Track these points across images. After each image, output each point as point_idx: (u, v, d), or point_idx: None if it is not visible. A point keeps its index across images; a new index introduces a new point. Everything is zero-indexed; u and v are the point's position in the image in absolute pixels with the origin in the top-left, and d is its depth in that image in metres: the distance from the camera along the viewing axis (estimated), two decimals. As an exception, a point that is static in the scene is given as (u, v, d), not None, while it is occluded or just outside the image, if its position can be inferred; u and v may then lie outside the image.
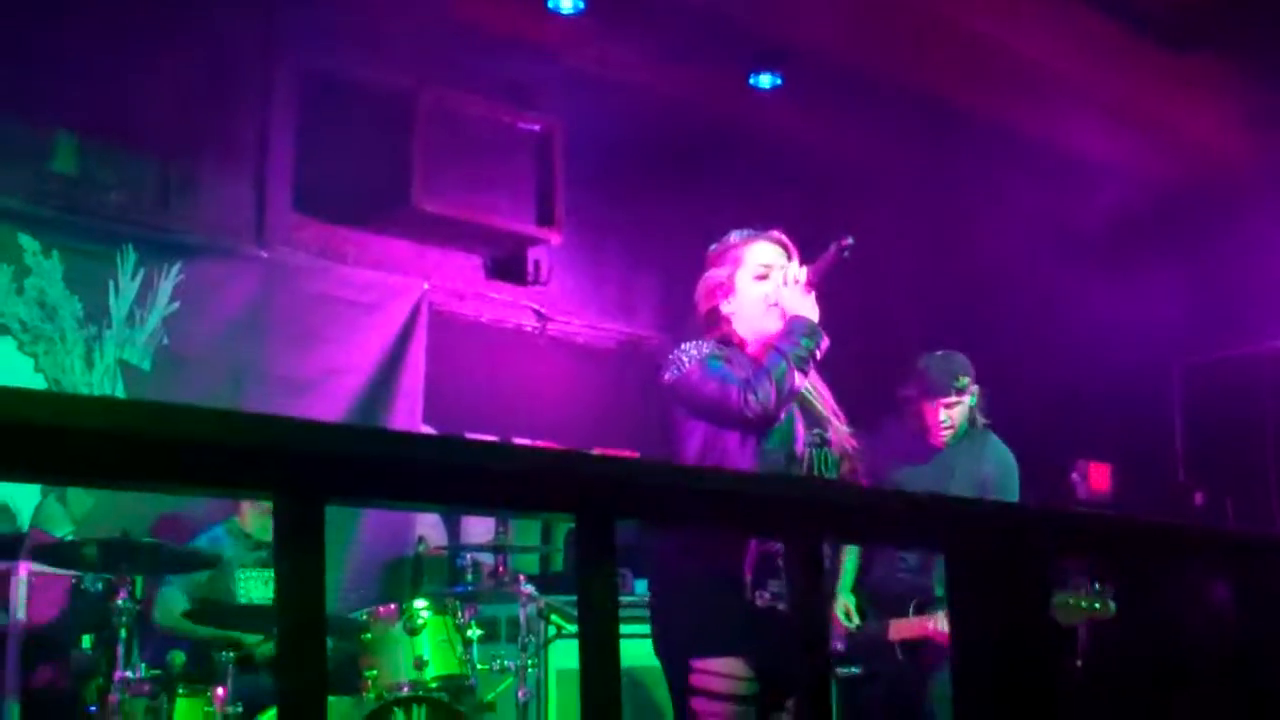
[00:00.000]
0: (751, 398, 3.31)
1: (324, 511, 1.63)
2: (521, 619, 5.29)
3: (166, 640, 5.09)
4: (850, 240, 3.47)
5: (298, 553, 1.61)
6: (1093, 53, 7.48)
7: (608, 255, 7.83)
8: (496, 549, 5.89)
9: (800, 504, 1.97)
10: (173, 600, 5.18)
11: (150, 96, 6.12)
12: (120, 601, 4.50)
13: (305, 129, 6.78)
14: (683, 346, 3.46)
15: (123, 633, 4.49)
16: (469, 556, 5.96)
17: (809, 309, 3.48)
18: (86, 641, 4.81)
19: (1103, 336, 4.98)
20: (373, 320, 6.87)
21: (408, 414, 6.87)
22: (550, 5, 6.78)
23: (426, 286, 7.10)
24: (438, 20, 6.85)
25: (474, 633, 5.10)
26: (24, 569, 4.75)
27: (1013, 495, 4.97)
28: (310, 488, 1.61)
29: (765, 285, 3.54)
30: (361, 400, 6.74)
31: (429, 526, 6.44)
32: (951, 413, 5.03)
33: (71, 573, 4.97)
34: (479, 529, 6.63)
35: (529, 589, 5.33)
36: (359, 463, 1.64)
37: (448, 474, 1.64)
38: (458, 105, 6.98)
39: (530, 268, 7.59)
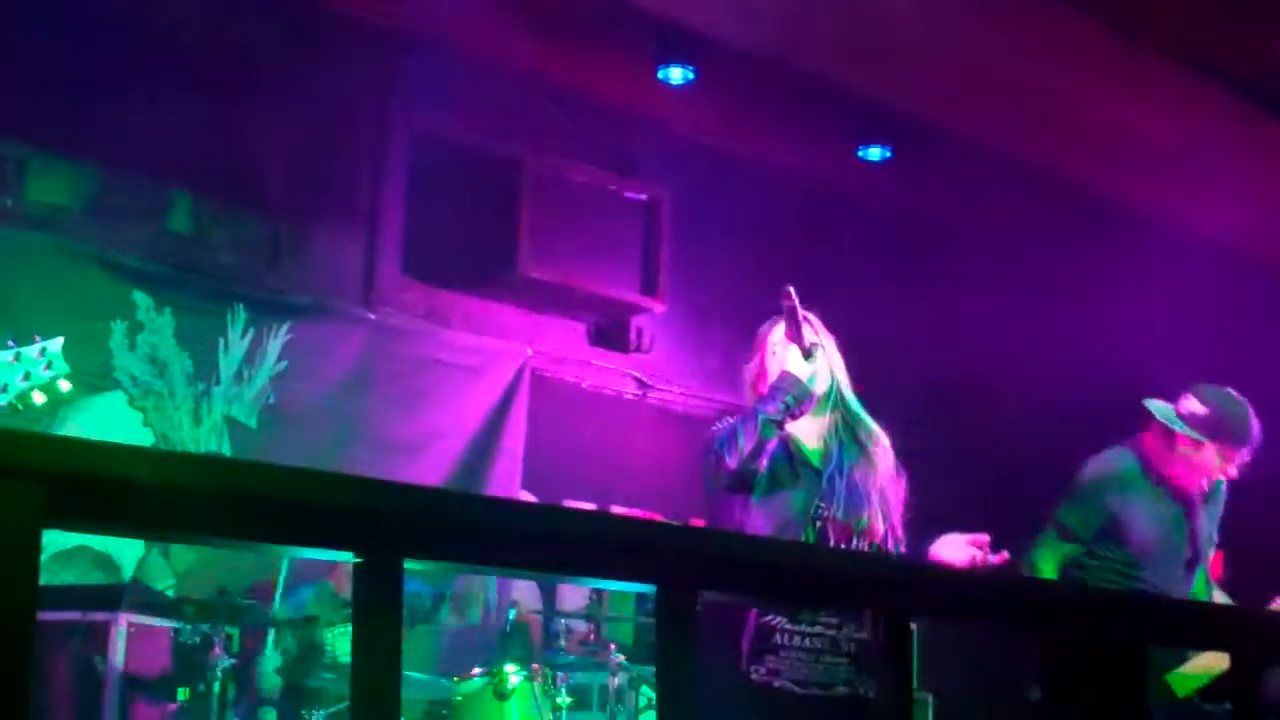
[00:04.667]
0: (721, 458, 3.41)
1: (402, 572, 1.62)
2: (611, 688, 5.25)
3: (260, 695, 5.13)
4: (789, 289, 3.52)
5: (376, 612, 1.61)
6: (1211, 126, 7.35)
7: (710, 324, 7.82)
8: (589, 617, 5.86)
9: (887, 580, 1.93)
10: (269, 661, 5.22)
11: (264, 159, 6.26)
12: (216, 656, 4.55)
13: (415, 194, 6.89)
14: (723, 420, 3.57)
15: (217, 687, 4.53)
16: (562, 623, 5.94)
17: (795, 363, 3.49)
18: (183, 693, 4.85)
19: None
20: (476, 384, 6.91)
21: (507, 478, 6.89)
22: (660, 75, 6.83)
23: (530, 352, 7.14)
24: (547, 88, 6.94)
25: (563, 700, 5.07)
26: (124, 620, 4.82)
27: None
28: (389, 548, 1.61)
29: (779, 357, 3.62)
30: (462, 463, 6.78)
31: (523, 592, 6.43)
32: (1229, 470, 4.47)
33: (171, 625, 5.02)
34: (573, 596, 6.61)
35: (619, 658, 5.30)
36: (437, 525, 1.63)
37: (524, 540, 1.63)
38: (565, 173, 7.05)
39: (633, 335, 7.61)
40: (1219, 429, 4.44)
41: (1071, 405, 5.01)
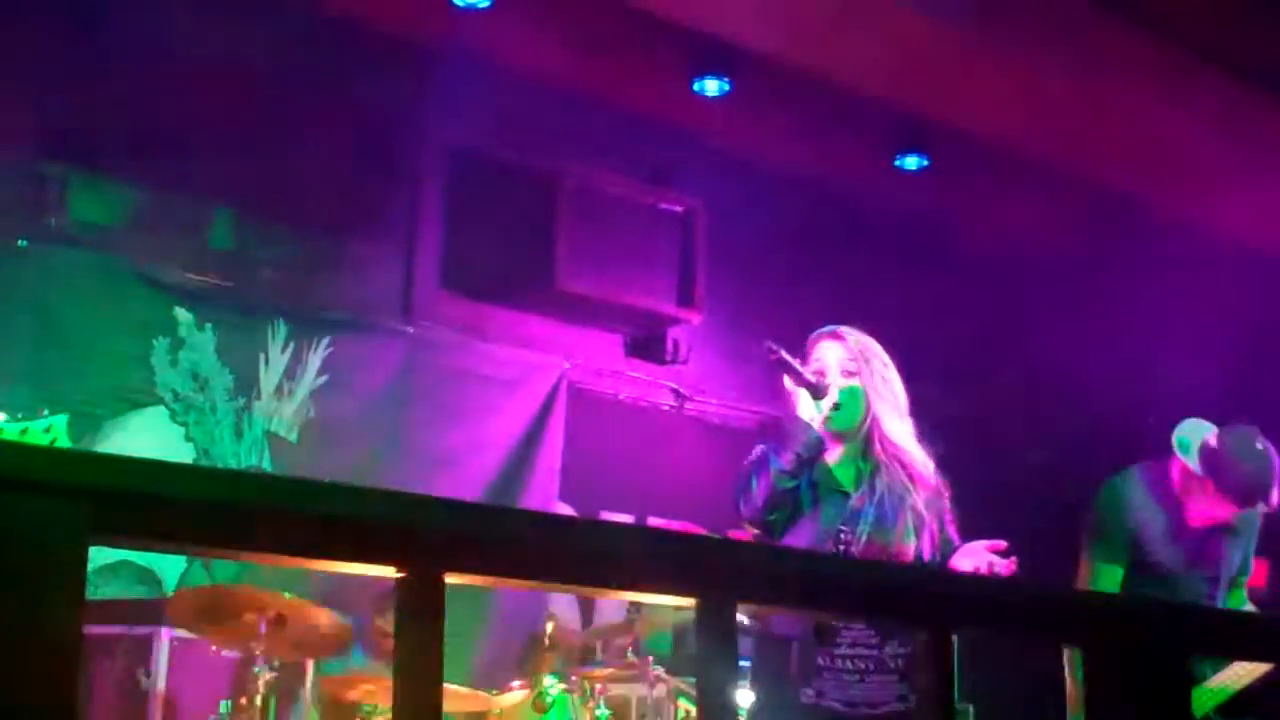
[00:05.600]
0: (739, 503, 3.46)
1: (444, 587, 1.63)
2: (650, 700, 5.25)
3: (302, 709, 5.14)
4: (768, 344, 3.52)
5: (418, 627, 1.62)
6: (1254, 135, 7.29)
7: (747, 335, 7.78)
8: (628, 629, 5.86)
9: (930, 593, 1.93)
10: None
11: (304, 175, 6.30)
12: (257, 669, 4.57)
13: (452, 208, 6.92)
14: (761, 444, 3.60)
15: (259, 700, 4.55)
16: (598, 633, 5.95)
17: (804, 408, 3.49)
18: (225, 707, 4.88)
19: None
20: (513, 397, 6.93)
21: (545, 491, 6.90)
22: (695, 87, 6.83)
23: (567, 365, 7.15)
24: (582, 101, 6.96)
25: (602, 712, 5.08)
26: (166, 634, 4.85)
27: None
28: (430, 563, 1.62)
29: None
30: (500, 476, 6.80)
31: (561, 605, 6.44)
32: (1237, 515, 4.31)
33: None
34: (612, 608, 6.61)
35: (658, 670, 5.29)
36: (478, 540, 1.64)
37: (564, 554, 1.63)
38: (601, 185, 7.06)
39: (669, 347, 7.61)
40: (1221, 471, 4.28)
41: (1106, 415, 4.96)
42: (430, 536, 1.61)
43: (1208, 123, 7.18)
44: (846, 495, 3.51)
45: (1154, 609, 1.94)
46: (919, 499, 3.52)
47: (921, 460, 3.57)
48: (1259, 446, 4.31)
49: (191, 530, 1.51)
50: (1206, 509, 4.41)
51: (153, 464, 1.47)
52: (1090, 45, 6.70)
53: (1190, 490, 4.42)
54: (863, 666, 3.43)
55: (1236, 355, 7.30)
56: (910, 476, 3.53)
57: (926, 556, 3.50)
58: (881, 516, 3.48)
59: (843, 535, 3.46)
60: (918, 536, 3.49)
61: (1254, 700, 4.23)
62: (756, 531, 3.52)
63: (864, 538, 3.46)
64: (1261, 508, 4.39)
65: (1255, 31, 6.76)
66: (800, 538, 3.46)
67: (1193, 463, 4.35)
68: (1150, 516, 4.46)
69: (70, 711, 1.40)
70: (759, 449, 3.51)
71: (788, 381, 3.54)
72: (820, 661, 3.42)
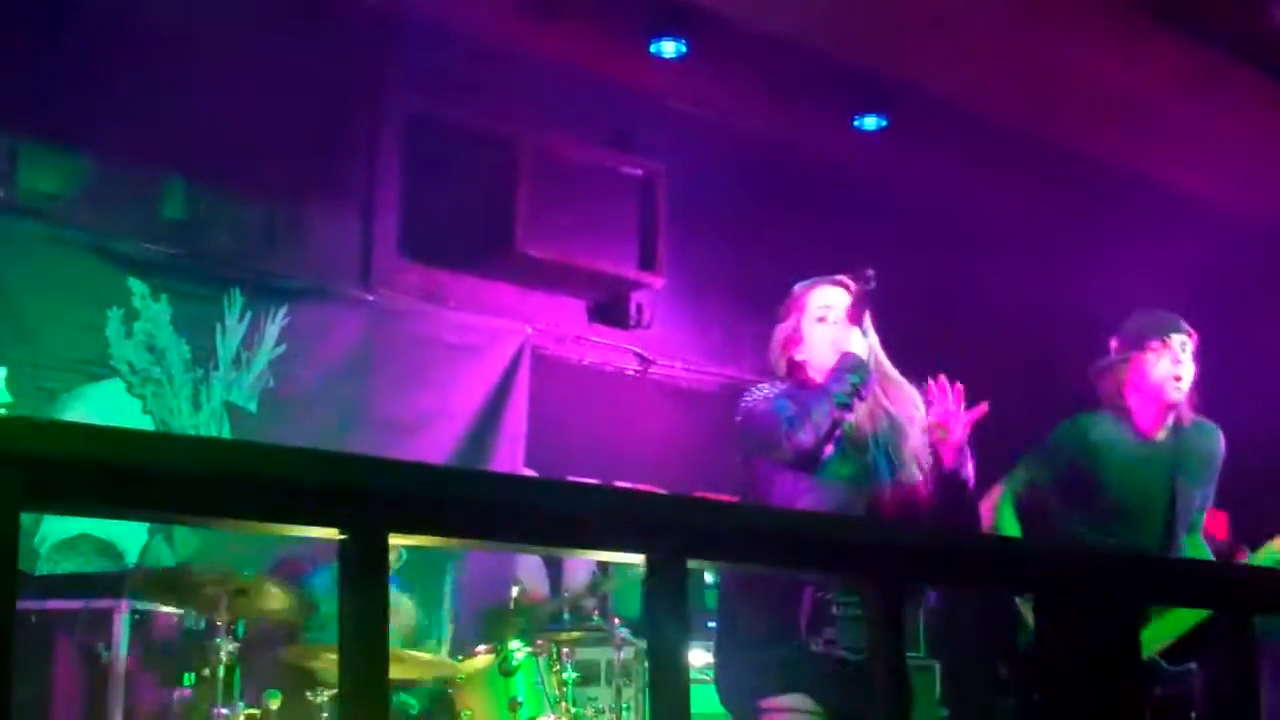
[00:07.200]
0: (794, 434, 3.40)
1: (387, 546, 1.62)
2: (617, 663, 5.25)
3: (264, 681, 5.12)
4: (871, 273, 3.56)
5: (362, 586, 1.61)
6: (1211, 92, 7.30)
7: (710, 298, 7.80)
8: (594, 590, 5.86)
9: (879, 546, 1.92)
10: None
11: (258, 142, 6.23)
12: (220, 640, 4.54)
13: (410, 174, 6.87)
14: (757, 386, 3.55)
15: (221, 671, 4.53)
16: (566, 598, 5.94)
17: (856, 344, 3.51)
18: (188, 679, 4.85)
19: (1211, 382, 4.81)
20: (476, 364, 6.90)
21: (510, 457, 6.88)
22: (653, 49, 6.80)
23: (529, 330, 7.12)
24: (540, 64, 6.91)
25: (569, 675, 5.07)
26: (126, 607, 4.81)
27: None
28: (373, 523, 1.61)
29: (828, 327, 3.60)
30: (464, 443, 6.77)
31: (529, 569, 6.43)
32: (1186, 357, 4.37)
33: (174, 611, 5.02)
34: (580, 571, 6.60)
35: (624, 632, 5.29)
36: (421, 500, 1.63)
37: (508, 512, 1.62)
38: (561, 149, 7.02)
39: (632, 311, 7.60)
40: (1139, 333, 4.46)
41: (1069, 378, 4.96)
42: (372, 497, 1.60)
43: (1165, 82, 7.19)
44: (863, 450, 3.54)
45: (1104, 558, 1.95)
46: (913, 434, 3.55)
47: (907, 389, 3.61)
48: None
49: (129, 495, 1.50)
50: (1149, 398, 4.46)
51: (89, 429, 1.46)
52: (1047, 4, 6.69)
53: (1130, 387, 4.49)
54: (859, 613, 3.44)
55: (1199, 309, 7.32)
56: (899, 416, 3.57)
57: (924, 491, 3.53)
58: (891, 462, 3.53)
59: (864, 490, 3.49)
60: (918, 466, 3.53)
61: (1196, 644, 4.28)
62: (799, 466, 3.46)
63: (886, 490, 3.49)
64: (1190, 345, 4.46)
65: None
66: (838, 490, 3.46)
67: (1121, 357, 4.48)
68: (1102, 444, 4.50)
69: (3, 680, 1.38)
70: (764, 391, 3.51)
71: (828, 298, 3.58)
72: (835, 612, 3.44)
